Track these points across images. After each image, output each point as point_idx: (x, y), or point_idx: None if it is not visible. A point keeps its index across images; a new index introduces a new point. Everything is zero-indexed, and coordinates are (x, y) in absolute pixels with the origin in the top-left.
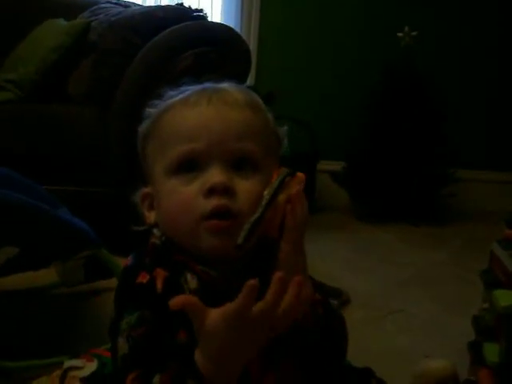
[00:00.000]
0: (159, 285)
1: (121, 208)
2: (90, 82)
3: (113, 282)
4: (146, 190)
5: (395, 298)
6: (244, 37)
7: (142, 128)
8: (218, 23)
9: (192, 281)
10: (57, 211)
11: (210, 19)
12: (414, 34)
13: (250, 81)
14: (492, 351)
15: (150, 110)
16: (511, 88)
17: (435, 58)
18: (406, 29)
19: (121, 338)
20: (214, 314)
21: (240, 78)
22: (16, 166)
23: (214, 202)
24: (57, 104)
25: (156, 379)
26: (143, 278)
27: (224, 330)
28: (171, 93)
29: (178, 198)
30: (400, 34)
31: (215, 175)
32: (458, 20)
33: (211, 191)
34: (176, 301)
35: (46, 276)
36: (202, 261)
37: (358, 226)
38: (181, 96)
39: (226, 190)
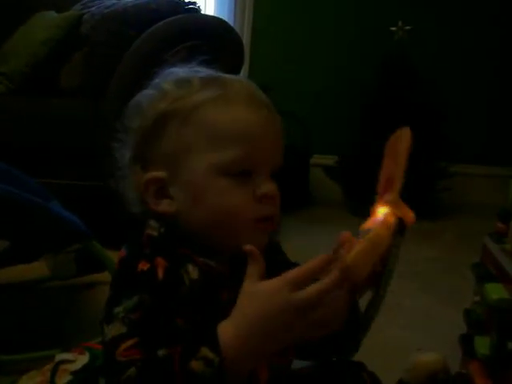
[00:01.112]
0: (160, 273)
1: (113, 201)
2: (82, 75)
3: (105, 276)
4: (157, 174)
5: (387, 291)
6: (237, 29)
7: (154, 102)
8: (211, 16)
9: (193, 271)
10: (48, 204)
11: (203, 11)
12: (407, 28)
13: (244, 74)
14: (483, 344)
15: (165, 86)
16: (507, 81)
17: (428, 52)
18: (400, 23)
19: (116, 321)
20: (272, 281)
21: (233, 71)
22: (7, 159)
23: (267, 208)
24: (48, 97)
25: (161, 351)
26: (143, 266)
27: (273, 296)
28: (177, 69)
29: (232, 200)
30: (393, 28)
31: (268, 183)
32: (451, 14)
33: (264, 197)
34: (250, 247)
35: (38, 269)
36: (206, 253)
37: (351, 221)
38: (214, 88)
39: (275, 198)
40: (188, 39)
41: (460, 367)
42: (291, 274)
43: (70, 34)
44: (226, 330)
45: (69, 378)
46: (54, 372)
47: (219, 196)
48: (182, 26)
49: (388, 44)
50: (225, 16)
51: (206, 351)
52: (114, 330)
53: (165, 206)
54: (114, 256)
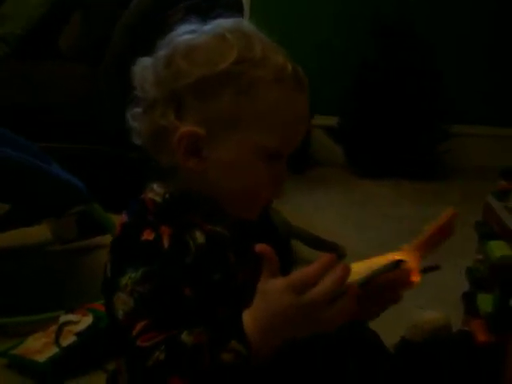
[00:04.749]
0: (166, 242)
1: (113, 164)
2: (80, 36)
3: (106, 239)
4: (197, 130)
5: (390, 251)
6: None
7: (216, 53)
8: None
9: (200, 237)
10: (49, 167)
11: None
12: None
13: None
14: (486, 302)
15: (228, 35)
16: (508, 42)
17: (430, 11)
18: None
19: (122, 293)
20: (278, 281)
21: None
22: (5, 123)
23: (278, 191)
24: (46, 60)
25: (186, 337)
26: (148, 236)
27: (280, 297)
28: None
29: (260, 180)
30: None
31: (285, 170)
32: None
33: (279, 182)
34: (262, 247)
35: (40, 233)
36: (211, 218)
37: (353, 181)
38: (273, 64)
39: None
40: None
41: (462, 325)
42: (295, 277)
43: None
44: (248, 323)
45: (73, 338)
46: (58, 333)
47: (253, 174)
48: None
49: (389, 3)
50: None
51: (235, 344)
52: (121, 303)
53: (193, 163)
54: (116, 219)
